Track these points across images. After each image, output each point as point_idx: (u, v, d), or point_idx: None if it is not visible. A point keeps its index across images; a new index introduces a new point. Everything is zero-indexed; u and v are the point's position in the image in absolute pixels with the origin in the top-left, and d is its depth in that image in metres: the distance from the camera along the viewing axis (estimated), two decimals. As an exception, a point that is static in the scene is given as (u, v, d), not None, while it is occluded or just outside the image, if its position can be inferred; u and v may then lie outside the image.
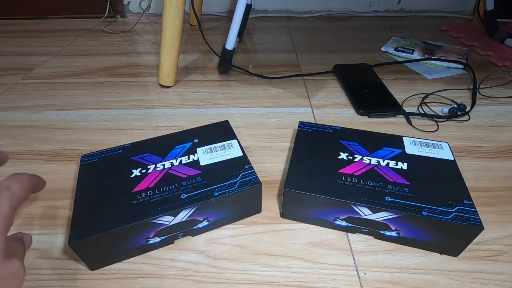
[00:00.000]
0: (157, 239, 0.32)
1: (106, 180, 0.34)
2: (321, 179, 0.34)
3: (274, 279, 0.31)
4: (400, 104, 0.56)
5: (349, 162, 0.37)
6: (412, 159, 0.37)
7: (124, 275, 0.31)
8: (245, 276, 0.31)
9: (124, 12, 1.03)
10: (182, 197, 0.32)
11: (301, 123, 0.43)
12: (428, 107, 0.56)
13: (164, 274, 0.31)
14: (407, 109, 0.55)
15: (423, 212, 0.30)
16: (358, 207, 0.32)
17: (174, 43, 0.58)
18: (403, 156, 0.37)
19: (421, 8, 1.03)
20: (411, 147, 0.39)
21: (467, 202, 0.32)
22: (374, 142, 0.40)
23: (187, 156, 0.37)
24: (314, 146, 0.39)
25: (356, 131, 0.42)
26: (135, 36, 0.89)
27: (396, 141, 0.40)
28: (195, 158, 0.36)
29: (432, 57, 0.70)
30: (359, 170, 0.35)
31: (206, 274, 0.31)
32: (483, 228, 0.29)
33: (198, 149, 0.38)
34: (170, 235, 0.33)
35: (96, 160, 0.36)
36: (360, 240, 0.34)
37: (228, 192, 0.32)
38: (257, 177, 0.34)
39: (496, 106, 0.56)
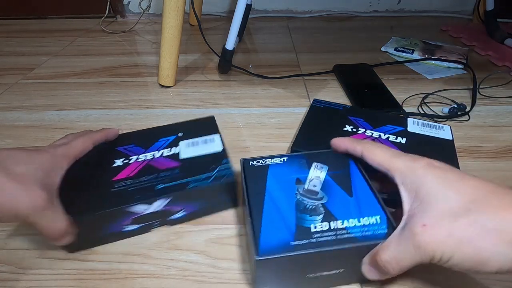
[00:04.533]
0: (134, 227, 0.33)
1: (90, 168, 0.35)
2: (327, 141, 0.34)
3: (274, 279, 0.31)
4: (400, 104, 0.56)
5: (353, 133, 0.41)
6: (412, 136, 0.40)
7: (124, 275, 0.31)
8: (245, 276, 0.31)
9: (124, 12, 1.03)
10: (158, 187, 0.32)
11: (315, 99, 0.48)
12: (428, 107, 0.56)
13: (164, 274, 0.31)
14: (407, 109, 0.55)
15: None
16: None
17: (174, 43, 0.58)
18: (404, 133, 0.40)
19: (421, 8, 1.03)
20: (414, 126, 0.42)
21: None
22: (379, 120, 0.43)
23: (169, 149, 0.38)
24: (323, 118, 0.44)
25: (364, 111, 0.45)
26: (135, 36, 0.89)
27: (400, 120, 0.43)
28: (176, 151, 0.37)
29: (432, 57, 0.70)
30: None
31: (206, 274, 0.31)
32: None
33: (180, 142, 0.38)
34: (146, 224, 0.34)
35: None
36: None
37: (202, 185, 0.33)
38: (232, 172, 0.34)
39: (496, 106, 0.56)
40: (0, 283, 0.30)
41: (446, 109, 0.54)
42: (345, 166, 0.31)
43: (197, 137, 0.39)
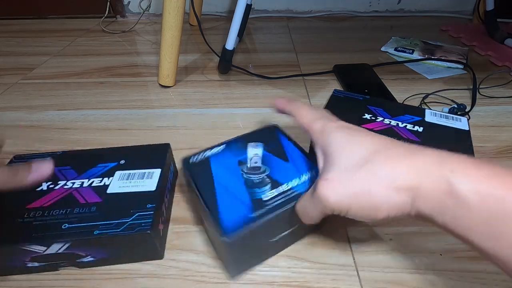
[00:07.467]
0: (36, 264, 0.30)
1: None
2: None
3: (274, 279, 0.31)
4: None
5: (371, 121, 0.41)
6: (429, 125, 0.41)
7: (124, 275, 0.31)
8: (245, 276, 0.31)
9: (124, 12, 1.03)
10: (63, 227, 0.29)
11: (335, 90, 0.50)
12: (428, 107, 0.56)
13: (164, 274, 0.31)
14: (407, 109, 0.55)
15: None
16: None
17: (174, 43, 0.58)
18: (421, 122, 0.42)
19: (421, 8, 1.03)
20: (431, 117, 0.43)
21: None
22: (397, 110, 0.44)
23: (101, 179, 0.33)
24: (343, 106, 0.45)
25: (383, 101, 0.46)
26: (135, 36, 0.89)
27: (418, 111, 0.44)
28: (107, 183, 0.33)
29: (432, 57, 0.70)
30: (378, 127, 0.40)
31: (206, 274, 0.31)
32: None
33: (117, 173, 0.34)
34: (50, 263, 0.30)
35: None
36: (360, 240, 0.34)
37: (108, 234, 0.28)
38: (151, 222, 0.29)
39: (496, 106, 0.56)
40: (1, 283, 0.30)
41: (446, 109, 0.54)
42: (275, 138, 0.35)
43: (137, 168, 0.34)
